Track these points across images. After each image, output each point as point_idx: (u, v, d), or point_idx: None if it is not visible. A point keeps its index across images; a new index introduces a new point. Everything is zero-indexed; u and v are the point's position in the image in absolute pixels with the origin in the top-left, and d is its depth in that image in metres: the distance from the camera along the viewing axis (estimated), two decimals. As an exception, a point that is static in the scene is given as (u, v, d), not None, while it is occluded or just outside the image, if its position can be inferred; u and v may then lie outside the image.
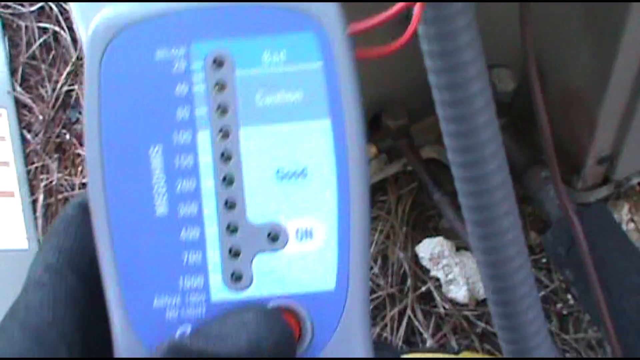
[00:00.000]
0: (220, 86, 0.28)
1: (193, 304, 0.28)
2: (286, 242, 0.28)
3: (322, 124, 0.28)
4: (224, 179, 0.28)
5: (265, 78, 0.28)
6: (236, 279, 0.28)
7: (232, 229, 0.28)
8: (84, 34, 1.18)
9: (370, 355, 0.28)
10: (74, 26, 1.23)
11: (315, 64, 0.28)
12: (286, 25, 0.28)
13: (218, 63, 0.28)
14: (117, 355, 0.28)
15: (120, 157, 0.28)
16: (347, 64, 0.28)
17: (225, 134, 0.28)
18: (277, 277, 0.28)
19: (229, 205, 0.28)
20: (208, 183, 0.28)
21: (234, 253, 0.28)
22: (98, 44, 0.28)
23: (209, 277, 0.28)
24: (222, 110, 0.28)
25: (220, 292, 0.28)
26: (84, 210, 0.30)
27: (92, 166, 0.28)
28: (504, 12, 0.62)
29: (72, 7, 1.20)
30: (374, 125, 0.83)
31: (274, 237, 0.28)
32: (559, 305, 0.85)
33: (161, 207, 0.28)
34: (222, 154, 0.28)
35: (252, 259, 0.28)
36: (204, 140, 0.28)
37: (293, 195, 0.28)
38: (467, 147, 0.53)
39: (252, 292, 0.28)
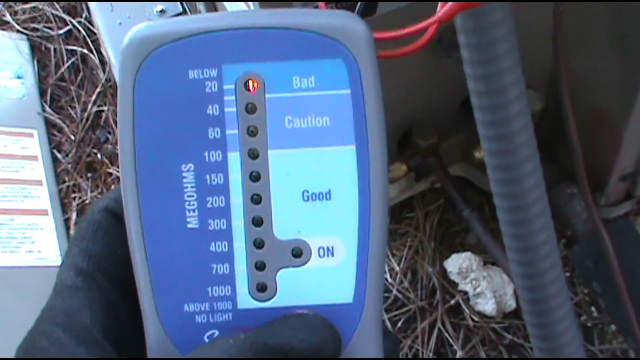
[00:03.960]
0: (251, 108, 0.29)
1: (220, 310, 0.29)
2: (309, 258, 0.29)
3: (347, 150, 0.29)
4: (252, 197, 0.29)
5: (294, 102, 0.29)
6: (261, 289, 0.29)
7: (258, 244, 0.29)
8: (112, 55, 1.21)
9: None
10: (102, 48, 1.25)
11: (343, 91, 0.28)
12: (316, 51, 0.28)
13: (249, 86, 0.29)
14: (149, 354, 0.30)
15: (154, 172, 0.29)
16: (374, 92, 0.29)
17: (254, 154, 0.29)
18: (300, 289, 0.29)
19: (256, 222, 0.29)
20: (237, 200, 0.29)
21: (260, 266, 0.29)
22: (131, 61, 0.29)
23: (236, 287, 0.29)
24: (252, 131, 0.29)
25: (246, 301, 0.29)
26: (110, 214, 0.32)
27: (127, 180, 0.29)
28: (531, 36, 0.64)
29: (99, 29, 1.23)
30: (404, 144, 0.85)
31: (298, 253, 0.29)
32: (584, 318, 0.88)
33: (192, 221, 0.29)
34: (251, 174, 0.29)
35: (277, 272, 0.29)
36: (234, 160, 0.29)
37: (317, 215, 0.29)
38: (507, 165, 0.56)
39: (276, 302, 0.29)
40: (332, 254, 0.29)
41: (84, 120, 1.19)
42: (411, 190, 0.91)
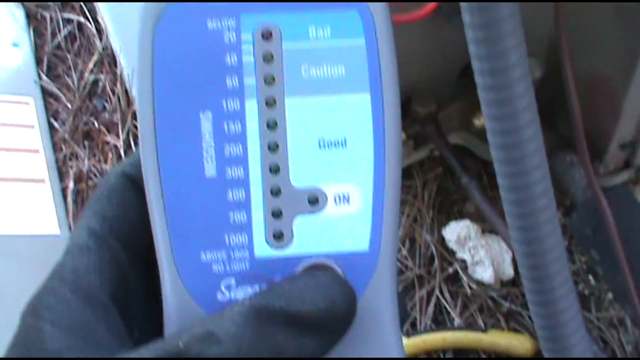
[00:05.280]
0: (268, 58, 0.29)
1: (238, 259, 0.29)
2: (325, 206, 0.29)
3: (362, 98, 0.29)
4: (269, 145, 0.29)
5: (310, 52, 0.29)
6: (278, 237, 0.29)
7: (275, 192, 0.29)
8: (108, 23, 1.20)
9: (397, 309, 0.30)
10: (98, 16, 1.25)
11: (358, 41, 0.29)
12: (332, 2, 0.29)
13: (266, 36, 0.29)
14: (165, 305, 0.29)
15: (172, 121, 0.29)
16: (388, 42, 0.29)
17: (271, 103, 0.29)
18: (316, 237, 0.29)
19: (273, 169, 0.29)
20: (254, 148, 0.29)
21: (277, 214, 0.29)
22: (150, 12, 0.29)
23: (253, 235, 0.29)
24: (269, 80, 0.29)
25: (263, 248, 0.29)
26: (126, 179, 0.32)
27: (145, 130, 0.29)
28: (531, 4, 0.64)
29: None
30: (403, 112, 0.85)
31: (314, 200, 0.29)
32: (581, 286, 0.88)
33: (210, 169, 0.29)
34: (268, 122, 0.29)
35: (293, 220, 0.29)
36: (252, 108, 0.29)
37: (333, 163, 0.29)
38: (508, 130, 0.55)
39: (292, 250, 0.29)
40: (348, 202, 0.29)
41: (80, 89, 1.19)
42: (410, 159, 0.91)
